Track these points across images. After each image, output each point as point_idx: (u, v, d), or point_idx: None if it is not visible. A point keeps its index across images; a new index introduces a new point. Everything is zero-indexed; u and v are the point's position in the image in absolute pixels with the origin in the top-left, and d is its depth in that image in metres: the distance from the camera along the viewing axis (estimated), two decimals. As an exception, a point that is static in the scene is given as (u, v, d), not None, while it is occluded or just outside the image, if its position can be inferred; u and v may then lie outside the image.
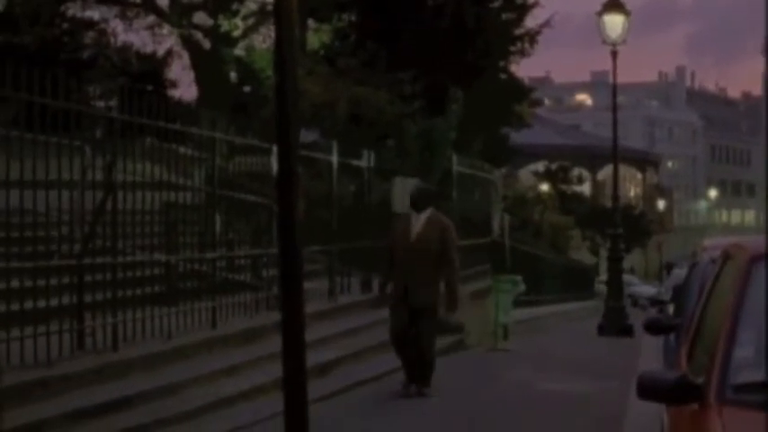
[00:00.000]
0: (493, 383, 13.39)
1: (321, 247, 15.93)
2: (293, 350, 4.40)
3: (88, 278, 10.42)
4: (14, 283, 9.44)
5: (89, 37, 46.49)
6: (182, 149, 13.13)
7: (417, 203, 11.79)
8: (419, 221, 11.68)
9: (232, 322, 12.50)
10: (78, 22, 45.80)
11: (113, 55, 44.52)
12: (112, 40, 45.84)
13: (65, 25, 46.18)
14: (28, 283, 9.56)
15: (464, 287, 17.92)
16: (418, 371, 11.57)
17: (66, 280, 10.06)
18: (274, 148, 6.87)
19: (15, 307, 9.24)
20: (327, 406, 10.46)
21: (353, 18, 32.60)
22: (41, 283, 9.52)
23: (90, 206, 10.47)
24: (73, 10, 44.51)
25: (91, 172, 10.64)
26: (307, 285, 4.67)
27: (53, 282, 9.71)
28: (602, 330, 22.49)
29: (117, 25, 44.16)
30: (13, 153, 9.35)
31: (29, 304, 9.38)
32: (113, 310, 10.39)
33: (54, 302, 9.59)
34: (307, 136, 23.02)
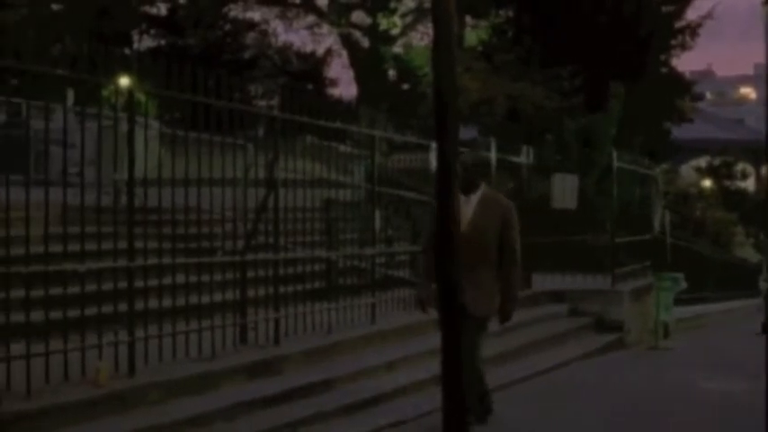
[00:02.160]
0: (653, 382, 13.16)
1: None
2: (451, 346, 4.41)
3: (251, 274, 10.64)
4: (180, 279, 9.71)
5: (250, 38, 47.40)
6: (342, 147, 13.30)
7: (466, 182, 8.73)
8: (470, 205, 8.85)
9: (391, 318, 12.57)
10: (240, 24, 46.75)
11: (274, 55, 45.32)
12: (273, 40, 46.68)
13: (227, 27, 47.20)
14: (193, 279, 9.82)
15: (624, 284, 17.71)
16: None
17: (229, 276, 10.28)
18: (433, 145, 6.87)
19: (181, 302, 9.51)
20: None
21: (511, 14, 32.43)
22: (206, 278, 9.76)
23: (253, 203, 10.69)
24: (235, 12, 45.47)
25: (253, 170, 10.87)
26: (465, 282, 4.66)
27: (217, 277, 9.94)
28: (765, 329, 21.84)
29: (277, 26, 44.98)
30: (179, 152, 9.61)
31: (194, 299, 9.64)
32: (275, 305, 10.58)
33: (218, 298, 9.82)
34: (465, 133, 23.04)
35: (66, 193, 8.06)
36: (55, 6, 39.16)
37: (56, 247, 8.14)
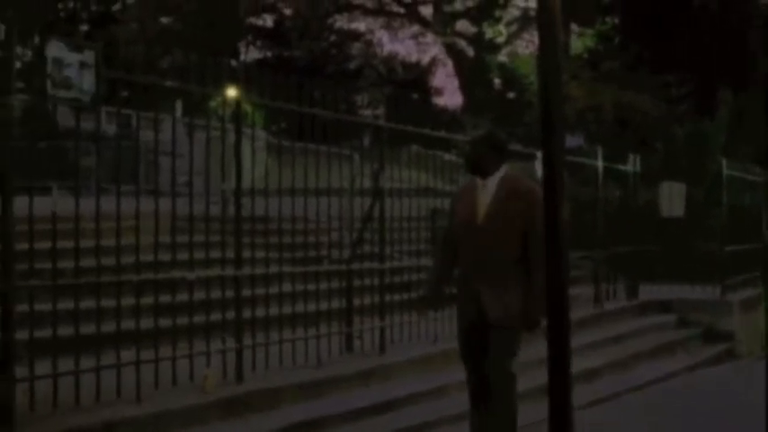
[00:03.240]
0: (763, 395, 12.87)
1: (586, 252, 15.77)
2: (559, 356, 4.37)
3: (357, 283, 10.69)
4: (287, 288, 9.79)
5: (356, 48, 47.73)
6: (447, 156, 13.29)
7: (480, 162, 7.35)
8: (487, 190, 7.31)
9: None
10: (345, 34, 47.10)
11: (379, 65, 45.56)
12: (378, 50, 46.94)
13: (332, 38, 47.59)
14: (300, 288, 9.90)
15: (734, 294, 17.36)
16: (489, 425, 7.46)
17: (335, 285, 10.34)
18: (539, 154, 6.84)
19: (288, 310, 9.59)
20: (592, 413, 10.32)
21: (617, 21, 32.12)
22: (312, 287, 9.84)
23: (358, 213, 10.75)
24: (340, 22, 45.81)
25: (359, 179, 10.93)
26: (572, 291, 4.63)
27: (323, 286, 10.00)
28: None
29: (383, 36, 45.19)
30: (286, 162, 9.71)
31: (300, 308, 9.72)
32: (381, 313, 10.61)
33: (324, 306, 9.88)
34: (571, 141, 22.86)
35: (176, 202, 8.19)
36: (164, 20, 39.85)
37: (165, 256, 8.28)
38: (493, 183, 7.31)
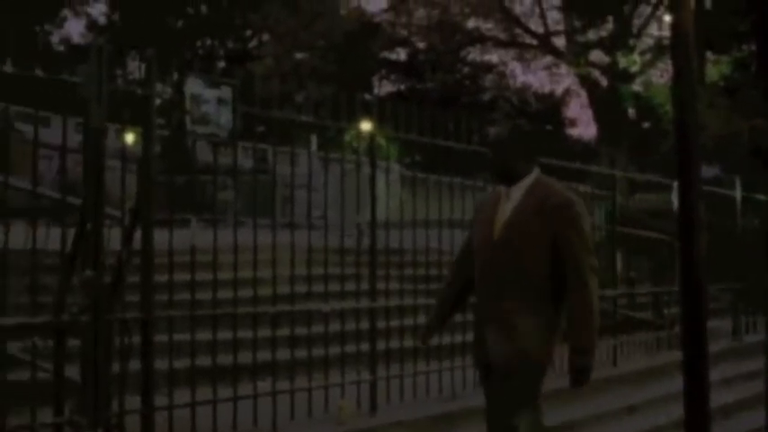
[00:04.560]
0: None
1: (725, 284, 15.43)
2: (696, 391, 4.30)
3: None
4: (422, 320, 9.80)
5: (489, 80, 47.80)
6: (581, 187, 13.18)
7: (505, 167, 5.91)
8: (511, 201, 5.84)
9: (632, 360, 12.33)
10: (478, 66, 47.20)
11: (512, 96, 45.53)
12: (511, 81, 46.90)
13: (465, 70, 47.73)
14: (433, 319, 9.90)
15: None
16: None
17: (470, 317, 10.30)
18: (675, 184, 6.74)
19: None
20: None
21: (754, 48, 31.48)
22: (446, 319, 9.83)
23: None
24: (473, 55, 45.94)
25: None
26: (710, 324, 4.55)
27: (457, 318, 9.98)
28: None
29: (515, 67, 45.11)
30: (420, 194, 9.74)
31: (434, 339, 9.70)
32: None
33: (458, 338, 9.86)
34: (708, 171, 22.45)
35: (311, 235, 8.28)
36: (299, 55, 40.47)
37: (301, 288, 8.38)
38: (519, 191, 5.82)
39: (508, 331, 5.68)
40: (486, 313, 5.88)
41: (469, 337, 9.98)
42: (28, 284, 6.52)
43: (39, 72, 6.47)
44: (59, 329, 6.46)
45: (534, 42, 38.23)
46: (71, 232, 6.56)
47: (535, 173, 5.89)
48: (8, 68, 6.31)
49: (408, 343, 9.26)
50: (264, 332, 8.03)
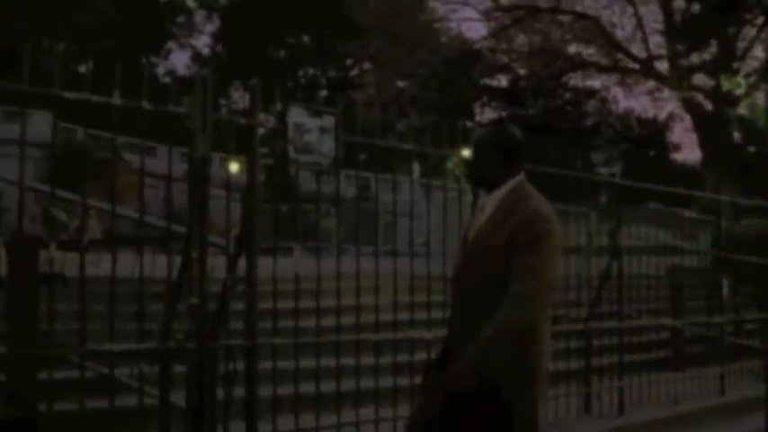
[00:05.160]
0: None
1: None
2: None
3: (595, 342, 10.54)
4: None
5: (591, 105, 47.47)
6: (686, 213, 13.01)
7: (483, 171, 5.24)
8: (484, 211, 5.17)
9: (741, 389, 12.08)
10: (580, 92, 46.89)
11: (615, 121, 45.09)
12: (614, 106, 46.49)
13: (567, 95, 47.45)
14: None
15: None
16: None
17: (573, 344, 10.22)
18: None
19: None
20: None
21: None
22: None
23: (596, 271, 10.62)
24: (574, 80, 45.66)
25: (596, 237, 10.81)
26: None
27: (561, 345, 9.90)
28: None
29: (617, 92, 44.75)
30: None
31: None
32: (620, 374, 10.42)
33: (562, 366, 9.77)
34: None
35: (413, 262, 8.29)
36: (400, 83, 40.67)
37: (404, 316, 8.38)
38: (492, 202, 5.13)
39: (466, 340, 4.89)
40: (460, 333, 5.08)
41: (570, 365, 9.94)
42: (135, 311, 6.63)
43: (145, 103, 6.60)
44: (165, 356, 6.55)
45: (636, 67, 37.92)
46: (177, 260, 6.66)
47: (513, 181, 5.14)
48: (115, 100, 6.45)
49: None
50: (367, 359, 8.04)
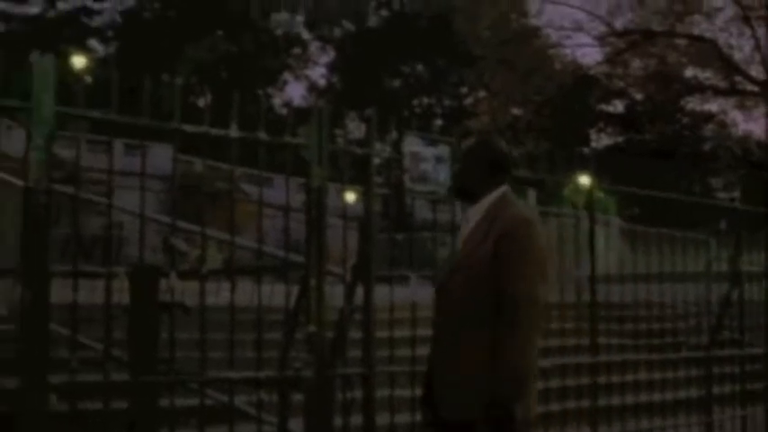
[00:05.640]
0: None
1: None
2: None
3: (716, 370, 10.34)
4: (643, 375, 9.61)
5: (709, 129, 46.67)
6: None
7: (465, 182, 5.14)
8: (468, 225, 5.06)
9: None
10: (697, 116, 46.17)
11: (734, 145, 44.27)
12: (732, 130, 45.66)
13: (684, 120, 46.76)
14: (657, 375, 9.68)
15: None
16: None
17: (694, 372, 10.04)
18: None
19: (644, 398, 9.40)
20: None
21: None
22: (670, 375, 9.60)
23: (716, 298, 10.44)
24: (692, 104, 44.99)
25: (716, 264, 10.63)
26: None
27: (681, 374, 9.74)
28: None
29: (736, 115, 43.97)
30: (640, 248, 9.59)
31: (658, 396, 9.50)
32: (742, 403, 10.20)
33: (682, 395, 9.62)
34: None
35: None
36: (515, 111, 40.60)
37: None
38: (476, 214, 4.99)
39: (460, 375, 4.80)
40: (434, 363, 5.08)
41: (691, 394, 9.77)
42: (254, 340, 6.72)
43: (262, 135, 6.70)
44: (284, 384, 6.62)
45: (755, 89, 37.23)
46: (294, 289, 6.74)
47: (497, 192, 4.98)
48: (233, 132, 6.56)
49: (630, 399, 9.09)
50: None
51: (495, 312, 4.63)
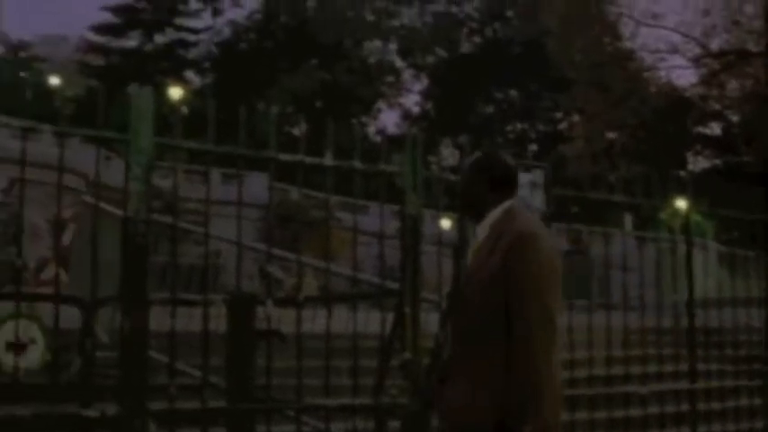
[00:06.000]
0: None
1: None
2: None
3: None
4: (744, 402, 9.43)
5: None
6: None
7: (469, 199, 4.97)
8: (476, 242, 4.91)
9: None
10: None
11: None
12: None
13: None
14: (757, 402, 9.49)
15: None
16: None
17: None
18: None
19: (745, 426, 9.23)
20: None
21: None
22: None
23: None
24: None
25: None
26: None
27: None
28: None
29: None
30: (740, 272, 9.44)
31: (758, 423, 9.31)
32: None
33: (759, 425, 9.43)
34: None
35: (627, 315, 8.16)
36: (610, 135, 40.29)
37: (618, 370, 8.25)
38: (483, 231, 4.84)
39: (467, 389, 4.65)
40: (448, 379, 4.85)
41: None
42: (349, 367, 6.75)
43: (356, 163, 6.75)
44: (379, 411, 6.62)
45: None
46: (390, 316, 6.75)
47: (503, 206, 4.81)
48: (328, 161, 6.62)
49: (731, 427, 8.93)
50: (581, 415, 7.94)
51: (506, 328, 4.51)
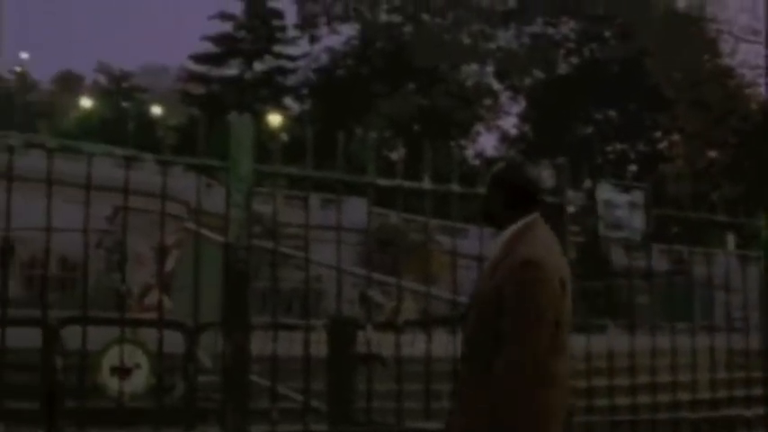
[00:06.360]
0: None
1: None
2: None
3: None
4: None
5: None
6: None
7: (490, 210, 4.79)
8: (493, 253, 4.75)
9: None
10: None
11: None
12: None
13: None
14: None
15: None
16: None
17: None
18: None
19: None
20: None
21: None
22: None
23: None
24: None
25: None
26: None
27: None
28: None
29: None
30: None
31: None
32: None
33: None
34: None
35: (731, 337, 8.04)
36: (711, 153, 39.71)
37: (722, 393, 8.11)
38: (500, 241, 4.67)
39: (459, 405, 4.63)
40: (455, 396, 4.78)
41: None
42: (449, 390, 6.74)
43: (455, 186, 6.76)
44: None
45: None
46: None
47: (521, 222, 4.62)
48: (426, 185, 6.64)
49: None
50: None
51: (496, 355, 4.34)
